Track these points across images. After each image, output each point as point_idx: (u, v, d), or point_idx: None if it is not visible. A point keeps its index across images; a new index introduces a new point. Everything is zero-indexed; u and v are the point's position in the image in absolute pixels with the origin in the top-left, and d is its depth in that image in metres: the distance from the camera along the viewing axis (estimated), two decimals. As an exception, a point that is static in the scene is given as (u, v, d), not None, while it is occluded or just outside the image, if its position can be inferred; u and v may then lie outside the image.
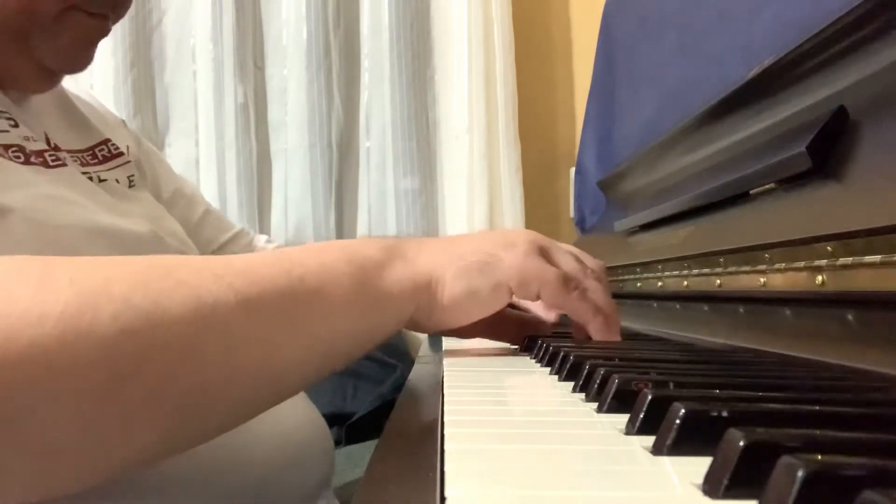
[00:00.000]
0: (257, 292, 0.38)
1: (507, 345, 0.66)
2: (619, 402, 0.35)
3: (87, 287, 0.33)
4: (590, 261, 0.57)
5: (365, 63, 1.80)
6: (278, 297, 0.39)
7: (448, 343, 0.74)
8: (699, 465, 0.24)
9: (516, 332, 0.64)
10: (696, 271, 0.64)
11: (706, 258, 0.62)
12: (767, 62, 0.64)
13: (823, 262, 0.44)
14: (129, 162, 0.66)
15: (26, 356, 0.31)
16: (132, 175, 0.65)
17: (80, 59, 0.57)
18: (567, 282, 0.52)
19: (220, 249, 0.80)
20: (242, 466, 0.50)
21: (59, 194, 0.52)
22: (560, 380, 0.45)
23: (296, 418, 0.59)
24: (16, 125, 0.54)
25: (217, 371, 0.36)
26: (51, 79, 0.58)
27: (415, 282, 0.48)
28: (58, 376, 0.32)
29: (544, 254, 0.53)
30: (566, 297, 0.52)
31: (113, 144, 0.66)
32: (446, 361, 0.55)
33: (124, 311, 0.33)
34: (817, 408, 0.29)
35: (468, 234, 0.57)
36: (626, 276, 0.86)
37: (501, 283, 0.51)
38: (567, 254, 0.55)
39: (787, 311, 0.51)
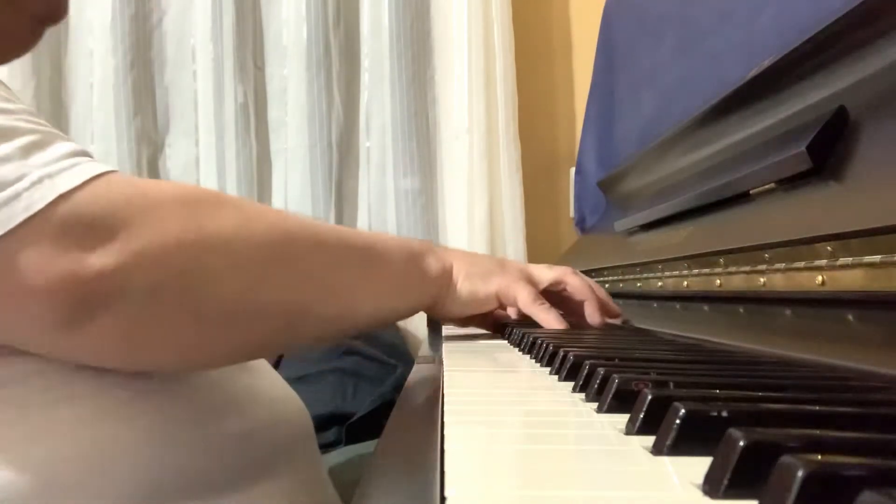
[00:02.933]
0: (346, 244, 0.58)
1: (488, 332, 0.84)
2: (619, 402, 0.35)
3: (249, 213, 0.51)
4: (558, 269, 0.78)
5: (365, 63, 1.80)
6: (360, 253, 0.58)
7: (447, 330, 0.84)
8: (699, 465, 0.24)
9: (493, 324, 0.83)
10: (696, 271, 0.64)
11: (706, 258, 0.62)
12: (767, 62, 0.64)
13: (823, 262, 0.44)
14: None
15: (210, 243, 0.46)
16: None
17: (61, 8, 0.67)
18: (536, 298, 0.71)
19: None
20: (232, 419, 0.55)
21: None
22: (560, 380, 0.45)
23: (274, 389, 0.63)
24: None
25: (316, 292, 0.54)
26: (35, 32, 0.67)
27: (442, 272, 0.67)
28: (230, 263, 0.47)
29: (527, 277, 0.73)
30: (532, 307, 0.71)
31: None
32: (446, 362, 0.55)
33: (272, 233, 0.51)
34: (817, 408, 0.29)
35: (477, 253, 0.85)
36: (627, 276, 0.86)
37: (492, 292, 0.70)
38: (544, 269, 0.75)
39: (787, 311, 0.51)
